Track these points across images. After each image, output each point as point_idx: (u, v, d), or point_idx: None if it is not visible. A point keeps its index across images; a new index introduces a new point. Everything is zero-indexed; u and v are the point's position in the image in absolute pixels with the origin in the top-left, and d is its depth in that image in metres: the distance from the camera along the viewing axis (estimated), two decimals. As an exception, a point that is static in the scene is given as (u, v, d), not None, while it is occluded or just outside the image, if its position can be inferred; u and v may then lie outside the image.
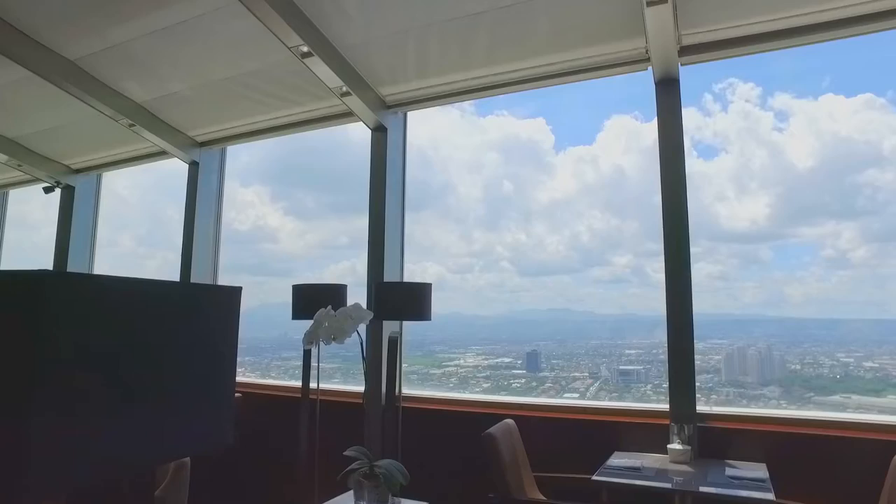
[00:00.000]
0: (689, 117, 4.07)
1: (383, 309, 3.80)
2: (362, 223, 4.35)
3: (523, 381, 4.38)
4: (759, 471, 2.80)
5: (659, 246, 3.37)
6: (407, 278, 4.38)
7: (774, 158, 4.06)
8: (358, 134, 5.00)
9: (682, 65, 3.54)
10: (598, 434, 3.42)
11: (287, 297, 4.07)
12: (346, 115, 4.39)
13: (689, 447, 3.05)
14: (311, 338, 1.88)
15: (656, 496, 2.82)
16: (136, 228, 6.99)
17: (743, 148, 4.15)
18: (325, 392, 4.49)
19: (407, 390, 4.22)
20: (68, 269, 5.98)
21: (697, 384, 3.30)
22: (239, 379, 5.48)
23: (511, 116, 4.92)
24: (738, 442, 3.13)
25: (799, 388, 3.66)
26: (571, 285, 4.47)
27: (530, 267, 4.64)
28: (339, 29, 3.59)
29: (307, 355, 3.91)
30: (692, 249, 3.34)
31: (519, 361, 4.51)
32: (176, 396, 1.23)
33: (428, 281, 3.57)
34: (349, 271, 5.33)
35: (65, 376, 0.97)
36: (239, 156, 6.01)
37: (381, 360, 3.98)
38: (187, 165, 5.31)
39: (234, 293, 1.37)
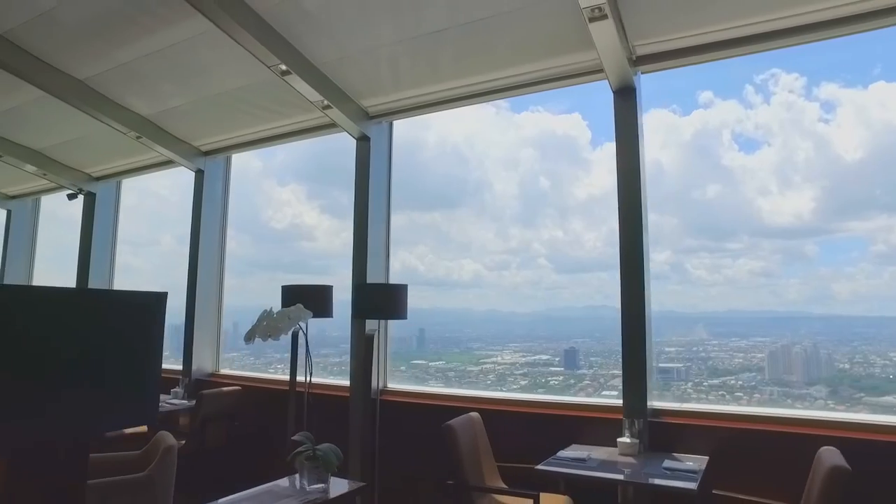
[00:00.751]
0: (729, 110, 4.10)
1: (362, 308, 4.08)
2: (398, 221, 4.52)
3: (561, 378, 4.36)
4: (697, 463, 2.94)
5: (699, 243, 3.55)
6: (443, 276, 4.57)
7: (820, 150, 3.89)
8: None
9: (642, 73, 3.69)
10: (560, 427, 3.59)
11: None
12: (334, 126, 4.66)
13: (637, 440, 3.21)
14: (249, 335, 2.14)
15: (606, 485, 2.99)
16: (176, 227, 7.03)
17: (786, 140, 3.98)
18: (320, 386, 4.82)
19: (424, 388, 4.53)
20: (90, 269, 6.47)
21: (740, 383, 3.37)
22: (246, 374, 5.78)
23: (546, 112, 4.86)
24: (688, 436, 3.26)
25: (848, 388, 3.52)
26: (609, 282, 4.36)
27: (567, 264, 4.60)
28: (315, 48, 3.85)
29: (294, 351, 4.19)
30: (731, 245, 3.48)
31: (557, 359, 4.49)
32: (99, 383, 1.50)
33: (464, 278, 3.77)
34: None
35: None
36: (275, 155, 6.24)
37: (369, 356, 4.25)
38: (193, 173, 5.69)
39: (160, 298, 1.63)
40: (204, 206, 5.62)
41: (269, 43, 3.63)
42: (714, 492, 3.04)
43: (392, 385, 4.63)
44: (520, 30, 3.39)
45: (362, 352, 4.20)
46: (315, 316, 4.17)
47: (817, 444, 2.69)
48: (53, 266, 7.97)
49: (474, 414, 3.63)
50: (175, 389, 5.23)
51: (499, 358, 4.72)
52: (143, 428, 5.04)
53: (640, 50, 3.50)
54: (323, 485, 2.36)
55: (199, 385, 5.24)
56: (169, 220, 7.11)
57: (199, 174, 5.67)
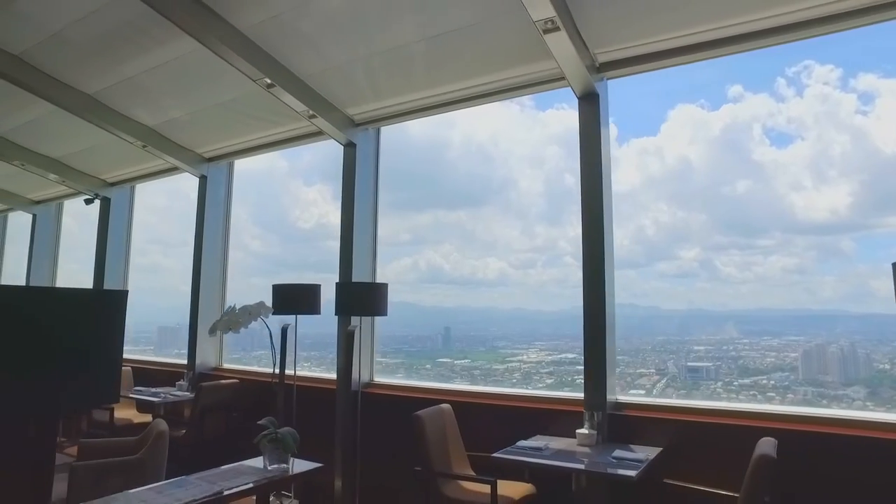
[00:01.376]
0: (760, 104, 3.99)
1: (345, 306, 4.31)
2: (423, 220, 4.70)
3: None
4: (646, 453, 3.08)
5: (729, 239, 3.58)
6: (468, 274, 4.65)
7: (858, 143, 3.72)
8: (415, 132, 5.28)
9: (609, 78, 3.84)
10: (529, 419, 3.76)
11: None
12: (324, 133, 4.91)
13: (594, 432, 3.36)
14: (213, 328, 2.38)
15: (563, 473, 3.16)
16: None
17: (821, 134, 3.83)
18: (311, 379, 5.08)
19: (409, 382, 4.76)
20: (106, 269, 6.88)
21: (772, 382, 3.39)
22: (248, 368, 6.03)
23: (571, 109, 4.74)
24: (646, 428, 3.39)
25: (889, 389, 3.40)
26: (636, 280, 4.34)
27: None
28: (298, 61, 4.11)
29: (283, 344, 4.44)
30: (763, 242, 3.51)
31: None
32: (62, 369, 1.76)
33: (489, 277, 3.92)
34: (411, 268, 5.47)
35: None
36: (302, 156, 6.32)
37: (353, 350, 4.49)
38: (197, 179, 6.03)
39: (121, 295, 1.89)
40: (207, 209, 5.95)
41: (254, 59, 3.90)
42: (665, 481, 3.18)
43: (378, 379, 4.87)
44: (483, 42, 3.58)
45: (344, 347, 4.43)
46: (303, 313, 4.46)
47: (761, 435, 2.81)
48: (78, 267, 8.44)
49: (445, 405, 3.83)
50: (180, 382, 5.56)
51: (524, 356, 4.69)
52: (148, 416, 5.39)
53: (602, 57, 3.65)
54: (284, 464, 2.59)
55: (203, 379, 5.55)
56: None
57: (203, 180, 6.00)
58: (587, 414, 3.45)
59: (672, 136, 4.38)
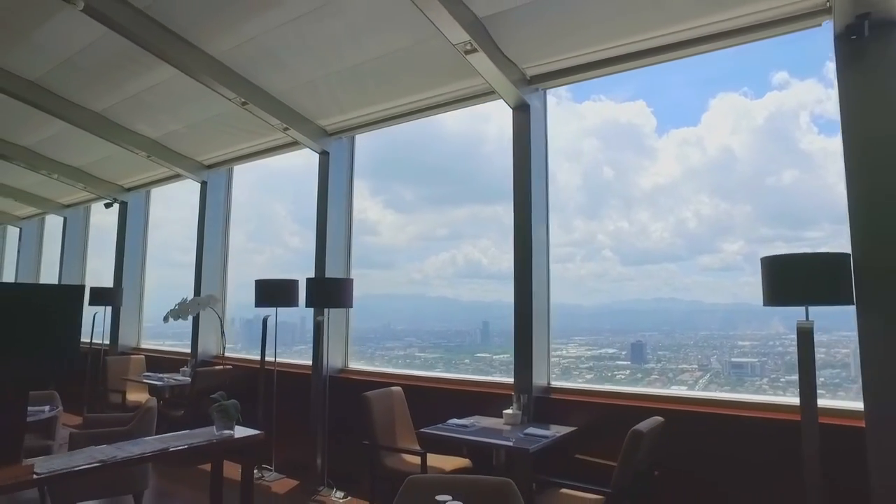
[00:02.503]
0: (808, 90, 3.82)
1: (312, 299, 4.78)
2: (460, 214, 4.72)
3: (628, 372, 4.27)
4: (557, 431, 3.44)
5: (775, 231, 3.50)
6: (506, 269, 4.43)
7: None
8: (450, 125, 5.23)
9: (543, 89, 4.18)
10: (471, 401, 4.15)
11: (390, 289, 4.78)
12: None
13: (519, 412, 3.73)
14: (166, 317, 2.88)
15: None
16: (245, 224, 7.26)
17: None
18: (295, 366, 5.59)
19: (378, 368, 5.21)
20: (124, 267, 7.60)
21: (822, 379, 3.32)
22: (246, 356, 6.55)
23: (609, 101, 4.68)
24: (569, 410, 3.74)
25: None
26: (678, 274, 4.23)
27: (633, 255, 4.44)
28: (268, 80, 4.61)
29: (264, 331, 4.95)
30: (811, 233, 3.45)
31: (623, 352, 4.41)
32: (29, 349, 2.27)
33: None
34: (449, 262, 5.39)
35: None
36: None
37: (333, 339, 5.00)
38: (199, 184, 6.63)
39: (78, 289, 2.39)
40: (208, 211, 6.54)
41: (228, 80, 4.42)
42: (576, 455, 3.52)
43: (353, 366, 5.35)
44: (421, 61, 3.98)
45: (315, 336, 4.92)
46: (282, 306, 4.94)
47: (659, 415, 3.13)
48: (105, 265, 9.19)
49: (396, 388, 4.27)
50: (183, 369, 6.18)
51: (563, 351, 4.61)
52: (153, 401, 6.01)
53: (531, 71, 3.99)
54: (229, 431, 3.08)
55: (203, 366, 6.15)
56: (237, 220, 7.19)
57: (204, 185, 6.60)
58: (515, 396, 3.82)
59: (713, 126, 4.23)
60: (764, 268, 2.75)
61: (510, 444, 3.17)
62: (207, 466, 3.29)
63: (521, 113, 4.06)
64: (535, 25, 3.58)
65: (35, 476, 2.35)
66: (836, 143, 3.42)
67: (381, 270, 5.96)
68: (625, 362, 4.37)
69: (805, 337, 2.66)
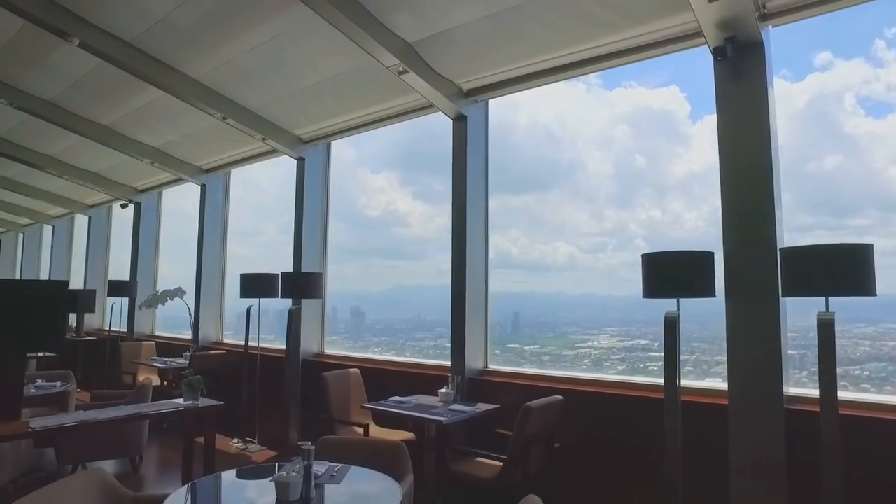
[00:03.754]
0: (853, 70, 3.67)
1: (287, 291, 5.36)
2: (490, 205, 4.56)
3: (660, 363, 4.27)
4: (478, 409, 3.91)
5: (817, 219, 3.44)
6: (536, 259, 4.69)
7: None
8: None
9: (482, 100, 4.61)
10: (418, 382, 4.58)
11: (420, 280, 4.93)
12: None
13: (452, 391, 4.21)
14: (139, 305, 3.48)
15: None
16: (277, 217, 7.28)
17: None
18: (274, 350, 6.17)
19: (350, 353, 5.73)
20: (139, 263, 8.37)
21: (867, 373, 3.31)
22: (240, 342, 7.17)
23: (641, 87, 4.58)
24: (499, 391, 4.19)
25: None
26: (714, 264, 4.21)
27: (667, 244, 4.14)
28: (245, 97, 5.19)
29: (248, 320, 5.56)
30: (858, 221, 3.37)
31: (656, 343, 4.25)
32: (26, 328, 2.90)
33: (558, 262, 4.12)
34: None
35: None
36: (367, 144, 6.14)
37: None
38: (199, 186, 7.30)
39: (63, 284, 3.01)
40: (207, 212, 7.21)
41: (209, 99, 5.01)
42: (497, 430, 3.99)
43: (329, 351, 5.94)
44: (367, 80, 4.49)
45: (290, 323, 5.52)
46: (263, 297, 5.52)
47: (568, 396, 3.58)
48: (175, 254, 9.15)
49: (353, 370, 4.83)
50: (186, 353, 6.88)
51: (595, 342, 4.62)
52: (149, 380, 6.70)
53: (467, 85, 4.44)
54: (195, 401, 3.68)
55: (203, 350, 6.84)
56: (272, 211, 7.47)
57: (203, 188, 7.27)
58: (450, 377, 4.30)
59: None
60: (643, 264, 3.13)
61: (428, 416, 3.66)
62: (201, 439, 3.84)
63: (460, 123, 4.51)
64: (466, 45, 4.00)
65: (30, 429, 2.99)
66: (884, 126, 3.26)
67: (411, 261, 5.94)
68: (658, 353, 4.20)
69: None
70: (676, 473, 2.91)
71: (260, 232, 7.79)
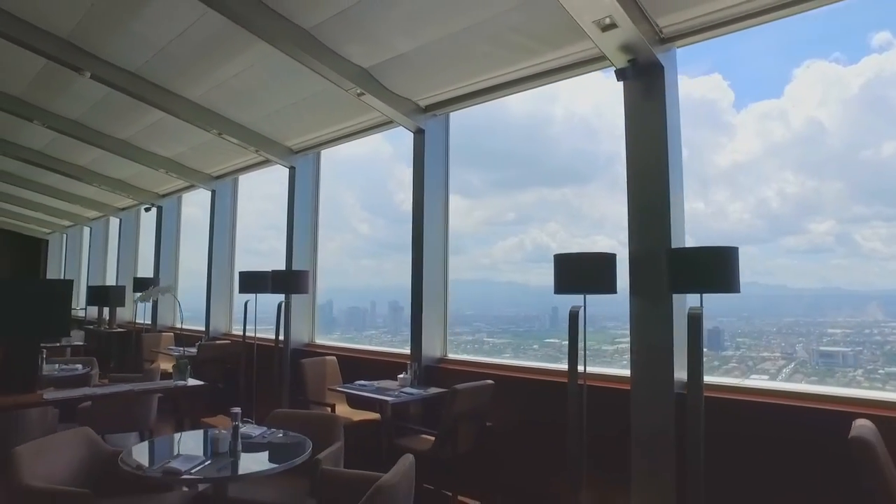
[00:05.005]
0: None
1: (278, 287, 5.96)
2: (527, 199, 4.65)
3: (704, 359, 4.23)
4: (429, 391, 4.39)
5: (872, 210, 3.30)
6: (576, 251, 4.42)
7: None
8: (515, 108, 5.11)
9: (439, 114, 5.06)
10: (386, 369, 4.99)
11: (458, 274, 4.88)
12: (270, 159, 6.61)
13: (409, 377, 4.71)
14: (136, 299, 4.13)
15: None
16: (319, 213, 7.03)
17: None
18: (270, 340, 6.82)
19: (336, 343, 6.35)
20: (161, 261, 9.20)
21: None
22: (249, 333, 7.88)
23: (682, 76, 4.57)
24: (452, 377, 4.64)
25: None
26: (759, 257, 3.91)
27: (710, 237, 4.15)
28: (237, 115, 5.82)
29: (245, 312, 6.21)
30: None
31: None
32: (38, 320, 3.58)
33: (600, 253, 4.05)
34: (517, 247, 5.24)
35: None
36: (403, 140, 5.96)
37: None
38: (209, 192, 8.04)
39: (68, 283, 3.67)
40: (216, 217, 7.93)
41: (204, 118, 5.66)
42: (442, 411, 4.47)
43: (318, 340, 6.55)
44: (332, 100, 5.04)
45: (278, 316, 6.13)
46: (260, 293, 6.12)
47: (497, 381, 4.05)
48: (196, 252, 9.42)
49: (330, 358, 5.40)
50: (198, 343, 7.63)
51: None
52: (157, 366, 7.43)
53: (425, 101, 4.91)
54: (182, 381, 4.32)
55: (213, 340, 7.57)
56: (308, 208, 7.17)
57: (213, 193, 8.00)
58: (409, 364, 4.80)
59: (799, 98, 3.91)
60: (554, 264, 3.53)
61: (377, 396, 4.18)
62: (210, 419, 4.48)
63: (419, 136, 5.00)
64: (420, 66, 4.45)
65: (43, 399, 3.67)
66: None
67: (450, 256, 5.81)
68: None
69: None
70: (578, 450, 3.34)
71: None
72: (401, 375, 4.75)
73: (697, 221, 4.25)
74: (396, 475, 2.21)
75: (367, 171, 6.27)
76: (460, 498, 4.05)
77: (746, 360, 3.90)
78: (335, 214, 7.20)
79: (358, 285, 6.45)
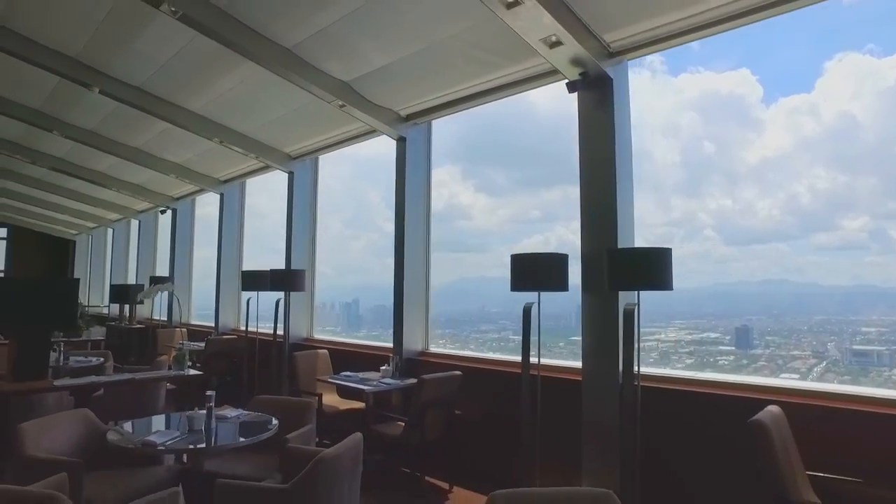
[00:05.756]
0: None
1: (277, 285, 6.34)
2: (552, 196, 4.69)
3: (732, 357, 4.03)
4: (404, 382, 4.71)
5: None
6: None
7: None
8: (541, 106, 5.09)
9: (428, 122, 5.36)
10: (369, 361, 5.27)
11: (483, 272, 5.14)
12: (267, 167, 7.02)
13: (390, 368, 5.03)
14: (137, 297, 4.55)
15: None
16: (343, 212, 7.48)
17: None
18: (268, 335, 7.23)
19: (325, 336, 6.73)
20: (176, 260, 9.72)
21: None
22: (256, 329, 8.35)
23: (709, 71, 4.40)
24: (431, 369, 4.94)
25: None
26: (789, 254, 3.87)
27: (738, 235, 4.11)
28: (237, 124, 6.22)
29: (248, 309, 6.62)
30: None
31: (727, 337, 4.16)
32: (49, 313, 4.01)
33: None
34: (542, 244, 5.25)
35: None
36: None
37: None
38: (218, 195, 8.51)
39: (74, 281, 4.10)
40: (224, 219, 8.38)
41: (206, 128, 6.08)
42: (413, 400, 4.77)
43: (317, 335, 6.93)
44: (318, 112, 5.39)
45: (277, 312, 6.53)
46: (261, 290, 6.52)
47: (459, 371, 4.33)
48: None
49: (322, 351, 5.76)
50: (208, 338, 8.10)
51: (662, 335, 4.49)
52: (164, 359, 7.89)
53: (406, 111, 5.22)
54: (182, 371, 4.72)
55: (221, 336, 8.02)
56: (337, 206, 7.56)
57: (221, 196, 8.45)
58: (391, 357, 5.09)
59: (830, 92, 3.85)
60: (511, 263, 3.77)
61: (356, 385, 4.52)
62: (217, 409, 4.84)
63: (401, 143, 5.30)
64: (400, 78, 4.74)
65: (53, 385, 4.10)
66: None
67: (474, 254, 5.95)
68: (728, 347, 4.13)
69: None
70: (531, 435, 3.61)
71: (327, 227, 7.84)
72: (383, 367, 5.08)
73: (725, 218, 4.23)
74: (340, 449, 2.52)
75: (390, 169, 6.11)
76: (428, 479, 4.35)
77: (776, 358, 3.83)
78: (360, 213, 7.27)
79: (383, 283, 6.33)
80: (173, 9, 3.79)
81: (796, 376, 3.41)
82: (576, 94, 3.85)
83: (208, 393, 3.07)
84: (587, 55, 3.55)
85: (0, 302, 4.07)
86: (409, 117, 5.27)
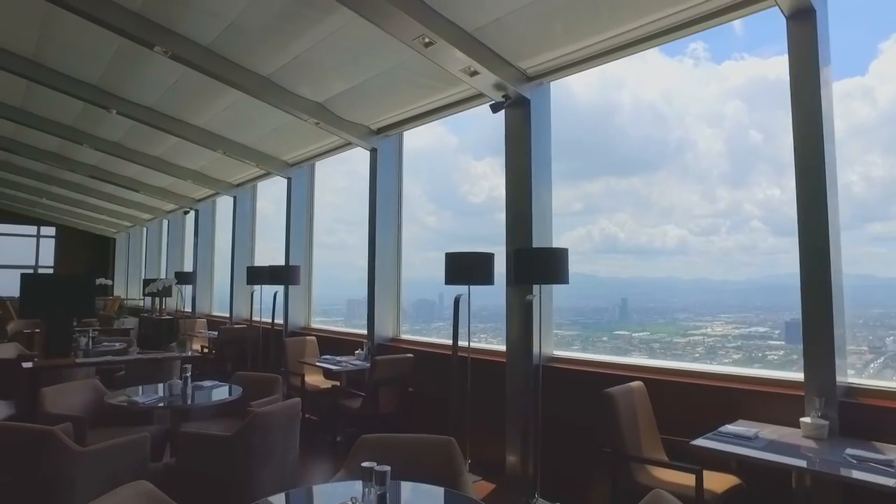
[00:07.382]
0: None
1: (276, 279, 7.12)
2: (594, 188, 4.67)
3: (781, 353, 3.83)
4: (365, 363, 5.40)
5: None
6: (644, 243, 4.61)
7: None
8: (580, 95, 5.06)
9: (387, 136, 6.01)
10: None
11: None
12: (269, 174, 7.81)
13: (363, 352, 5.72)
14: (147, 292, 5.39)
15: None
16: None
17: None
18: (267, 323, 8.06)
19: (328, 326, 7.47)
20: (199, 257, 10.71)
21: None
22: (265, 319, 9.22)
23: (754, 57, 4.26)
24: (397, 353, 5.64)
25: None
26: (847, 244, 3.65)
27: (787, 226, 3.73)
28: (237, 136, 7.02)
29: (251, 301, 7.46)
30: None
31: (776, 331, 3.95)
32: (72, 302, 4.90)
33: (668, 245, 4.22)
34: (585, 237, 5.08)
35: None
36: (468, 130, 6.05)
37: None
38: (231, 199, 9.40)
39: (91, 277, 4.97)
40: (238, 220, 9.26)
41: (211, 141, 6.91)
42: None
43: (314, 325, 7.71)
44: (300, 130, 6.09)
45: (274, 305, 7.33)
46: (265, 284, 7.33)
47: (431, 356, 4.99)
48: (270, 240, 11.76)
49: (310, 338, 6.51)
50: (220, 327, 9.02)
51: (708, 329, 4.33)
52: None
53: (376, 125, 5.88)
54: (184, 353, 5.56)
55: (233, 325, 8.92)
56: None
57: (234, 200, 9.34)
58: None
59: (886, 74, 3.67)
60: (445, 261, 4.32)
61: (324, 365, 5.22)
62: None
63: (374, 154, 5.97)
64: (366, 98, 5.39)
65: (76, 362, 4.99)
66: None
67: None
68: (778, 342, 3.91)
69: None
70: (458, 408, 4.23)
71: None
72: (357, 351, 5.78)
73: (772, 209, 4.04)
74: (275, 408, 3.22)
75: (432, 162, 6.23)
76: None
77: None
78: (403, 207, 6.85)
79: (425, 277, 6.25)
80: (164, 49, 4.56)
81: (851, 372, 3.09)
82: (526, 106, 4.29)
83: (184, 365, 3.83)
84: (504, 81, 4.12)
85: (33, 293, 4.98)
86: (379, 130, 5.93)
